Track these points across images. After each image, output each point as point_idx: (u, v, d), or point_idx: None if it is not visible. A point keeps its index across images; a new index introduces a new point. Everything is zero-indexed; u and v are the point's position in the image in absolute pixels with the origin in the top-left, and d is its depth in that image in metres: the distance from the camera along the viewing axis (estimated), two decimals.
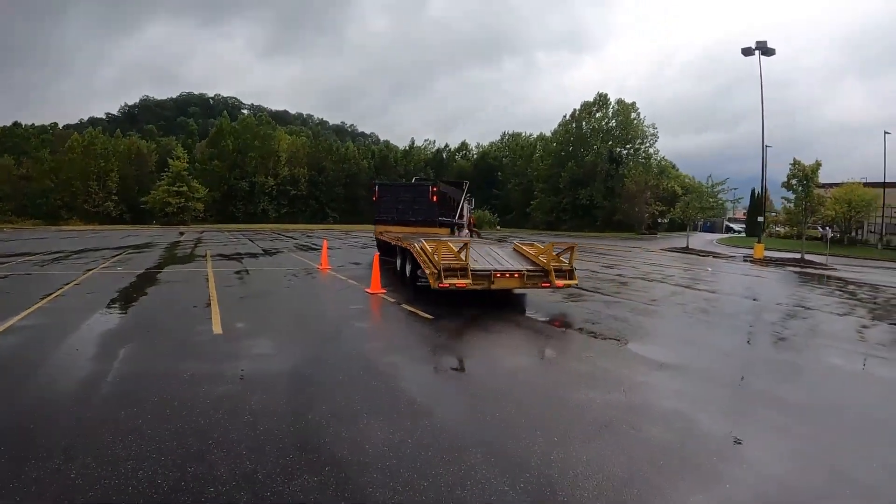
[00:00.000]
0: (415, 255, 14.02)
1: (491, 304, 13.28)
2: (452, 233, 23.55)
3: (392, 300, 13.36)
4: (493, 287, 12.82)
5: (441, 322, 11.00)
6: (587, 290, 16.48)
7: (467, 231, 26.87)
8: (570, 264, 13.49)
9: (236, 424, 5.43)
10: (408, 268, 15.23)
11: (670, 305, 14.97)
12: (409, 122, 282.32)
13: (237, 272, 18.61)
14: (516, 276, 13.07)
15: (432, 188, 23.94)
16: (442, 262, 12.41)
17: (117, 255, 24.77)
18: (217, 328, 9.64)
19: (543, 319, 11.79)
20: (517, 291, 14.60)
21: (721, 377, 7.93)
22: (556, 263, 13.44)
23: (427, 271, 12.85)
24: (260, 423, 5.46)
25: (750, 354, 9.72)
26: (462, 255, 12.75)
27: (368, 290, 14.43)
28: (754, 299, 17.04)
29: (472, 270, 12.52)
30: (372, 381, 6.94)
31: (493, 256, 14.28)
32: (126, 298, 13.01)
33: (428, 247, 13.42)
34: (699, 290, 18.62)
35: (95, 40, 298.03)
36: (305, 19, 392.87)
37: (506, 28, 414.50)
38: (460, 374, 7.72)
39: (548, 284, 13.16)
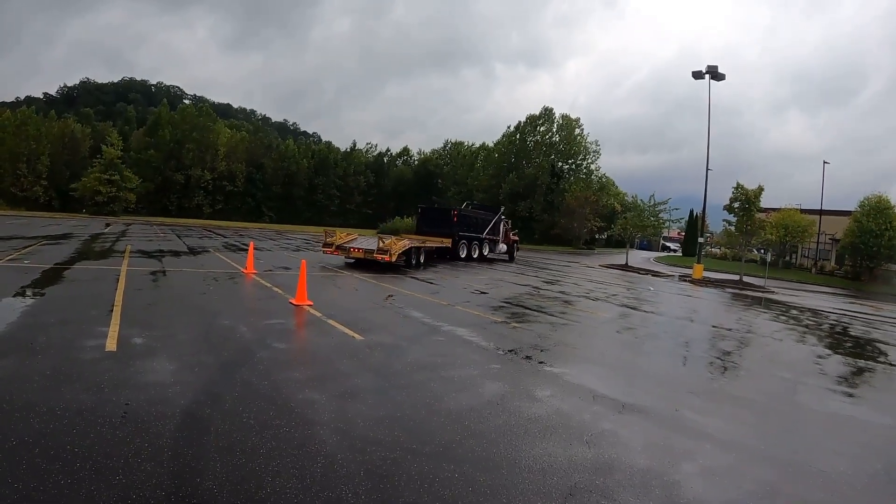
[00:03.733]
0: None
1: (428, 322, 12.29)
2: (481, 243, 35.24)
3: (318, 314, 12.04)
4: (350, 255, 23.84)
5: (371, 344, 9.79)
6: (531, 310, 15.61)
7: (503, 245, 38.91)
8: (391, 251, 22.75)
9: (102, 489, 4.19)
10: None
11: (621, 330, 14.21)
12: (359, 124, 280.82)
13: (153, 272, 16.93)
14: (361, 252, 23.45)
15: (454, 212, 33.73)
16: (326, 240, 24.38)
17: (30, 246, 22.81)
18: (112, 344, 8.21)
19: (485, 344, 10.64)
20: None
21: (693, 422, 6.97)
22: (394, 248, 23.09)
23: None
24: (133, 490, 4.23)
25: (714, 391, 8.81)
26: (339, 239, 24.26)
27: (293, 301, 13.13)
28: (702, 324, 16.42)
29: (337, 246, 23.85)
30: (284, 426, 5.68)
31: (370, 243, 24.03)
32: (20, 300, 11.35)
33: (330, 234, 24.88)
34: (646, 311, 18.01)
35: (45, 16, 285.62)
36: (270, 14, 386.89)
37: (466, 38, 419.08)
38: (392, 417, 6.34)
39: (381, 257, 22.63)
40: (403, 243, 24.47)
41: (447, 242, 31.14)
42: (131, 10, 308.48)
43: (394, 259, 22.99)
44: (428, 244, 28.55)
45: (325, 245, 24.06)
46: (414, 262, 25.69)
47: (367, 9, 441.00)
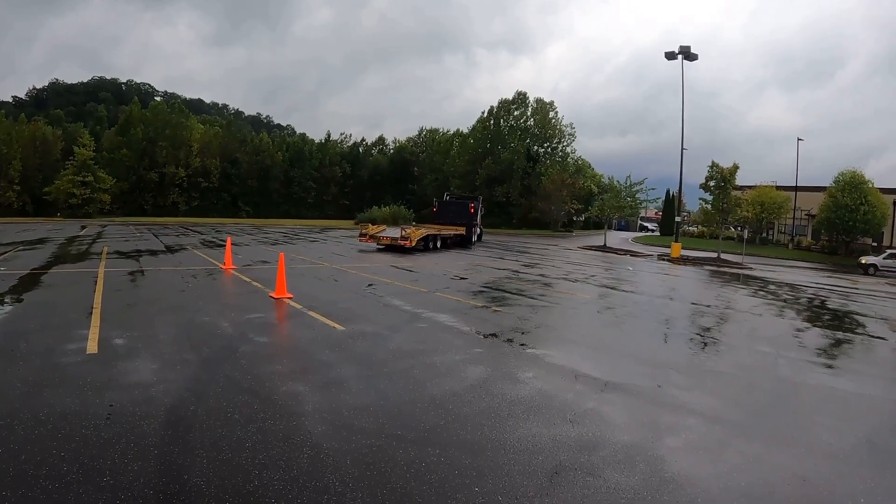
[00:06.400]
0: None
1: (409, 309, 12.29)
2: (471, 230, 38.07)
3: (299, 306, 12.06)
4: (380, 243, 29.40)
5: (352, 333, 9.81)
6: (511, 294, 15.69)
7: (479, 228, 41.79)
8: (411, 238, 28.09)
9: (90, 491, 4.18)
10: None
11: (601, 310, 14.37)
12: (339, 116, 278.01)
13: (131, 273, 16.78)
14: (388, 240, 28.91)
15: (471, 204, 39.31)
16: (362, 231, 30.38)
17: (5, 253, 22.48)
18: (93, 346, 8.17)
19: (466, 329, 10.69)
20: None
21: (676, 398, 7.05)
22: (414, 236, 28.54)
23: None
24: (121, 490, 4.22)
25: (696, 367, 8.91)
26: (372, 230, 29.92)
27: (273, 295, 13.10)
28: (682, 301, 16.57)
29: (370, 235, 29.39)
30: (268, 419, 5.70)
31: (395, 233, 29.17)
32: None
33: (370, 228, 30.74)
34: (625, 291, 18.19)
35: (20, 17, 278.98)
36: (246, 8, 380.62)
37: (448, 24, 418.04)
38: (376, 405, 6.38)
39: (404, 243, 27.83)
40: (421, 232, 30.49)
41: (461, 231, 36.64)
42: (111, 7, 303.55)
43: (413, 244, 28.34)
44: (443, 232, 34.00)
45: (361, 235, 30.21)
46: (431, 246, 31.18)
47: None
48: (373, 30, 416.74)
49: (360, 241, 30.43)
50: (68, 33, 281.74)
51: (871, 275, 35.62)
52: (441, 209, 39.65)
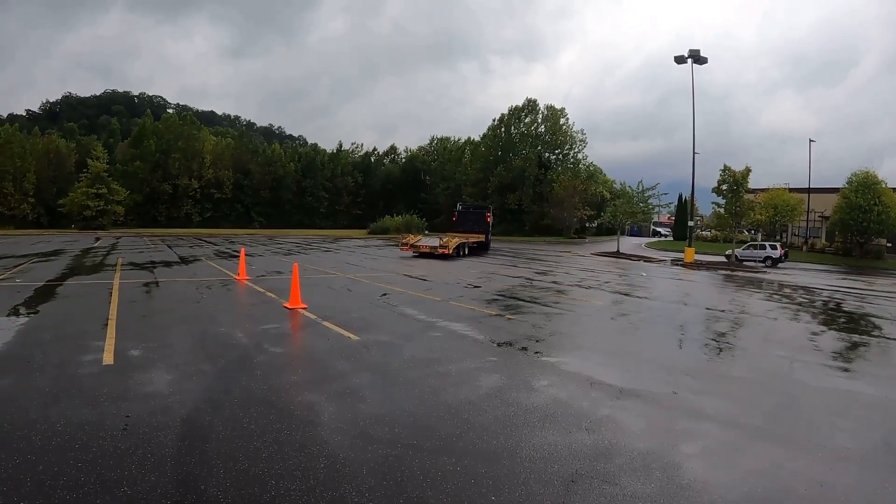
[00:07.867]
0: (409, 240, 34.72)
1: (423, 318, 12.30)
2: (488, 237, 41.26)
3: (313, 316, 12.06)
4: (418, 251, 32.85)
5: (367, 343, 9.79)
6: (525, 301, 15.68)
7: (490, 235, 43.77)
8: (449, 246, 31.61)
9: (107, 501, 4.19)
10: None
11: (615, 316, 14.32)
12: (352, 125, 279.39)
13: (146, 284, 16.92)
14: (427, 248, 32.38)
15: (487, 213, 42.40)
16: (403, 240, 35.41)
17: (20, 265, 22.70)
18: (108, 357, 8.21)
19: (480, 338, 10.69)
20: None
21: (691, 404, 7.02)
22: (451, 244, 32.05)
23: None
24: (138, 501, 4.22)
25: (711, 372, 8.88)
26: (411, 240, 34.52)
27: (287, 305, 13.13)
28: (696, 306, 16.52)
29: (411, 245, 33.53)
30: (284, 429, 5.69)
31: (433, 242, 32.77)
32: (14, 318, 11.27)
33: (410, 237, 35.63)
34: (639, 297, 18.10)
35: (36, 32, 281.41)
36: (259, 20, 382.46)
37: (463, 32, 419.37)
38: (392, 414, 6.36)
39: (442, 251, 31.20)
40: (455, 241, 33.56)
41: (481, 238, 39.59)
42: (117, 24, 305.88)
43: (450, 252, 31.67)
44: (471, 240, 37.24)
45: (402, 244, 34.65)
46: (461, 253, 34.11)
47: (362, 9, 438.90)
48: (386, 39, 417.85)
49: (400, 249, 34.65)
50: (82, 48, 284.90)
51: (735, 264, 38.08)
52: (460, 218, 41.89)
